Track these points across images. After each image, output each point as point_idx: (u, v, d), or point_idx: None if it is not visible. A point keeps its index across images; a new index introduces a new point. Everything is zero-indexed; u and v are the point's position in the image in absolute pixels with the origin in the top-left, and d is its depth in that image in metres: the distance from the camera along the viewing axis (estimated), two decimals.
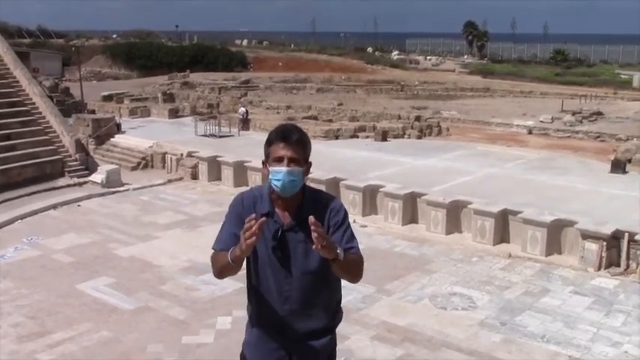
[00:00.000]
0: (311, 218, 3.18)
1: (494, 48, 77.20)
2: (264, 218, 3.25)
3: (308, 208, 3.51)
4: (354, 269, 3.51)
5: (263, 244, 3.52)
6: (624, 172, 20.43)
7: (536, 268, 14.22)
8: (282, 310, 3.61)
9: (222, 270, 3.50)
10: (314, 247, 3.21)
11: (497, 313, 11.81)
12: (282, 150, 3.41)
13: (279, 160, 3.42)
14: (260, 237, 3.24)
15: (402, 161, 22.22)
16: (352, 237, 3.62)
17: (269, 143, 3.49)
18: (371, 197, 18.26)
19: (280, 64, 63.61)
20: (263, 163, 3.57)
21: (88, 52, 63.96)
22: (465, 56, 74.84)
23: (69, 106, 31.09)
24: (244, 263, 3.64)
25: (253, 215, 3.23)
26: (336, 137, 26.96)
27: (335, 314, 3.84)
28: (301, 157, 3.46)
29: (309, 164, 3.57)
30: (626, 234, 14.07)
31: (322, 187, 18.68)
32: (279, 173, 3.41)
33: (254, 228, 3.16)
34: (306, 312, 3.62)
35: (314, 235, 3.17)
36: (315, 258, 3.51)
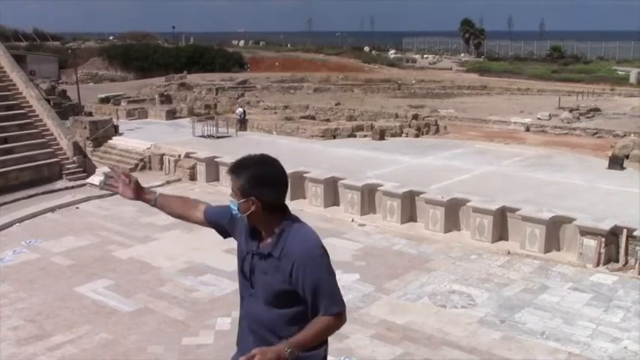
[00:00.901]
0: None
1: (491, 46, 77.33)
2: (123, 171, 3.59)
3: (277, 243, 3.38)
4: (324, 336, 3.38)
5: (238, 257, 3.61)
6: (622, 168, 20.45)
7: (534, 265, 14.23)
8: (245, 322, 3.67)
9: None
10: None
11: (497, 310, 11.82)
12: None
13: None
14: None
15: (399, 160, 22.23)
16: (332, 294, 3.35)
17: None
18: (369, 196, 18.26)
19: (277, 64, 63.63)
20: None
21: (85, 55, 63.98)
22: (462, 54, 74.95)
23: (66, 109, 31.08)
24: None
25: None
26: (334, 137, 26.97)
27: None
28: (234, 189, 3.42)
29: (252, 201, 3.35)
30: (625, 230, 14.09)
31: (321, 186, 18.77)
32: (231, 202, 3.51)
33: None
34: (266, 334, 3.49)
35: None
36: (274, 293, 3.41)
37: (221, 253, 13.31)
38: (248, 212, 3.36)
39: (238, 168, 3.40)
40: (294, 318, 3.41)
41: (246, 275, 3.54)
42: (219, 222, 3.74)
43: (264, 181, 3.34)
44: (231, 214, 3.53)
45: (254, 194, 3.33)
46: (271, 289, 3.41)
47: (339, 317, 3.37)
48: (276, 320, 3.44)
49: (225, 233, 3.78)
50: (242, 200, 3.36)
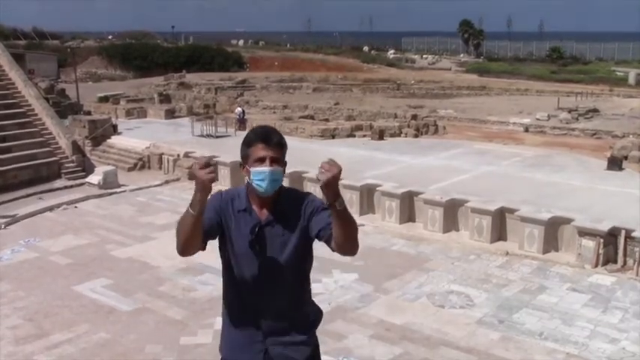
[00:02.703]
0: (323, 164, 3.18)
1: (490, 46, 77.32)
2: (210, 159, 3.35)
3: (284, 203, 3.59)
4: (353, 226, 3.41)
5: (240, 240, 3.59)
6: (620, 169, 20.47)
7: (533, 266, 14.24)
8: (259, 306, 3.64)
9: (183, 229, 3.45)
10: (319, 179, 3.17)
11: (495, 310, 11.83)
12: (262, 151, 3.46)
13: (260, 160, 3.45)
14: (212, 177, 3.28)
15: (398, 160, 22.24)
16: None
17: (248, 144, 3.53)
18: (368, 196, 18.27)
19: (276, 63, 63.63)
20: (241, 165, 3.61)
21: (84, 53, 63.90)
22: (461, 55, 74.91)
23: (65, 108, 31.05)
24: (222, 261, 3.74)
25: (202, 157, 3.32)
26: (333, 137, 26.98)
27: (313, 311, 3.87)
28: (281, 158, 3.52)
29: (285, 165, 3.62)
30: (623, 231, 14.10)
31: (319, 187, 18.74)
32: (262, 173, 3.45)
33: (211, 168, 3.26)
34: (283, 306, 3.65)
35: (324, 167, 3.14)
36: (292, 250, 3.58)
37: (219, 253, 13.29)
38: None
39: (281, 137, 3.55)
40: (308, 276, 3.73)
41: (257, 250, 3.56)
42: (212, 217, 3.63)
43: None
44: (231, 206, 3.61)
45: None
46: (289, 247, 3.55)
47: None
48: (289, 292, 3.61)
49: (212, 235, 3.67)
50: (283, 167, 3.54)
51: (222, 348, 3.85)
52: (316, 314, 3.89)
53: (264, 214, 3.58)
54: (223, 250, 3.70)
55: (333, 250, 3.47)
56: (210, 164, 3.25)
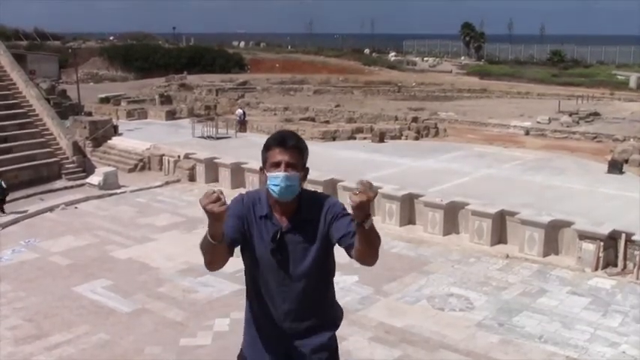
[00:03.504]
0: (360, 183, 3.12)
1: (491, 49, 77.28)
2: (221, 191, 3.20)
3: (305, 209, 3.57)
4: (377, 241, 3.39)
5: (262, 247, 3.56)
6: (621, 172, 20.46)
7: (533, 269, 14.24)
8: (281, 309, 3.64)
9: (207, 253, 3.34)
10: (351, 196, 3.11)
11: (495, 313, 11.82)
12: (279, 155, 3.43)
13: (276, 165, 3.43)
14: (225, 208, 3.13)
15: (399, 162, 22.24)
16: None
17: (266, 149, 3.50)
18: None
19: (277, 65, 63.65)
20: (260, 168, 3.59)
21: (85, 54, 63.93)
22: (462, 57, 74.93)
23: (66, 109, 31.06)
24: (244, 264, 3.67)
25: (212, 190, 3.13)
26: (334, 139, 26.98)
27: (334, 313, 3.86)
28: (298, 163, 3.47)
29: (307, 170, 3.58)
30: (623, 234, 14.09)
31: (320, 188, 18.72)
32: (277, 178, 3.42)
33: (215, 197, 3.09)
34: (305, 312, 3.66)
35: (360, 189, 3.08)
36: (314, 257, 3.56)
37: None
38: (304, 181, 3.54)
39: (298, 140, 3.51)
40: (331, 281, 3.72)
41: (278, 258, 3.53)
42: (238, 232, 3.54)
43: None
44: (250, 213, 3.54)
45: (305, 163, 3.55)
46: (311, 254, 3.54)
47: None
48: (312, 296, 3.60)
49: (238, 242, 3.58)
50: (302, 172, 3.50)
51: (245, 347, 3.87)
52: (338, 315, 3.90)
53: (285, 220, 3.56)
54: (245, 254, 3.68)
55: (351, 258, 3.47)
56: (219, 198, 3.11)
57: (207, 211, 3.09)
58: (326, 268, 3.65)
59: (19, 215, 18.66)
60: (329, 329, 3.80)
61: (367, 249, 3.35)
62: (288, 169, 3.41)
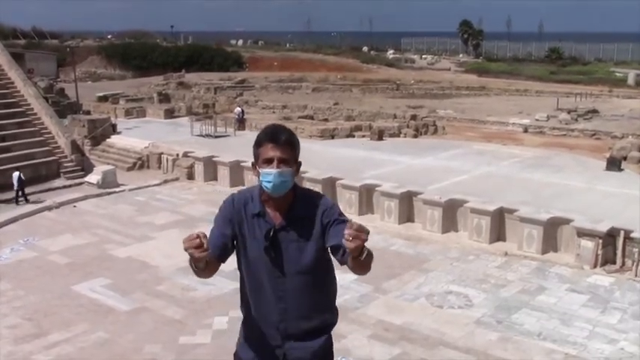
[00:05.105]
0: (349, 224, 3.13)
1: (490, 46, 77.36)
2: (203, 239, 3.17)
3: (299, 207, 3.54)
4: (371, 261, 3.41)
5: (256, 245, 3.54)
6: (620, 169, 20.48)
7: (532, 266, 14.25)
8: (276, 309, 3.61)
9: (197, 271, 3.40)
10: (345, 242, 3.12)
11: (494, 311, 11.83)
12: (271, 151, 3.41)
13: (268, 161, 3.41)
14: (205, 255, 3.16)
15: (398, 160, 22.24)
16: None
17: (258, 144, 3.47)
18: (367, 196, 18.27)
19: (276, 63, 63.61)
20: (253, 164, 3.58)
21: (83, 53, 63.91)
22: (461, 55, 74.97)
23: (64, 107, 31.06)
24: (237, 264, 3.66)
25: (195, 234, 3.15)
26: (332, 137, 26.98)
27: (330, 313, 3.84)
28: (291, 158, 3.45)
29: (299, 164, 3.56)
30: (622, 231, 14.11)
31: (319, 187, 18.75)
32: (270, 175, 3.41)
33: (197, 242, 3.12)
34: (301, 311, 3.62)
35: (351, 235, 3.10)
36: (308, 256, 3.53)
37: None
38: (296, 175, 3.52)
39: (290, 135, 3.48)
40: (327, 280, 3.67)
41: (272, 256, 3.52)
42: (227, 233, 3.57)
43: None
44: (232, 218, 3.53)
45: (297, 157, 3.53)
46: (304, 253, 3.52)
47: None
48: (307, 294, 3.57)
49: (229, 252, 3.61)
50: (295, 167, 3.49)
51: (240, 346, 3.85)
52: (333, 318, 3.85)
53: (279, 217, 3.54)
54: (238, 254, 3.67)
55: (341, 264, 3.49)
56: (201, 244, 3.11)
57: (188, 254, 3.16)
58: (321, 267, 3.62)
59: (18, 214, 18.66)
60: (325, 331, 3.78)
61: (360, 270, 3.39)
62: (281, 165, 3.39)
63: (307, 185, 19.08)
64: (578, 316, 11.63)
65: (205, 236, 3.16)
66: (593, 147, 25.14)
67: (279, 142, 3.41)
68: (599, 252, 14.02)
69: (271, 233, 3.50)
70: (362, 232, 3.11)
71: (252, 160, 3.56)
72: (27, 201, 20.47)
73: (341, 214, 3.56)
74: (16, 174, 20.68)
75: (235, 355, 3.87)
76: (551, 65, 61.63)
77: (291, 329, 3.62)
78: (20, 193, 20.60)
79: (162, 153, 24.68)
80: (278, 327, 3.63)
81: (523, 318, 11.51)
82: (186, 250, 3.13)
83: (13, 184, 20.61)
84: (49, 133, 25.29)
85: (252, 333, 3.73)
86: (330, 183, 18.91)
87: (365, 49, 75.92)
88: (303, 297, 3.59)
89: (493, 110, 34.67)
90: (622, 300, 12.38)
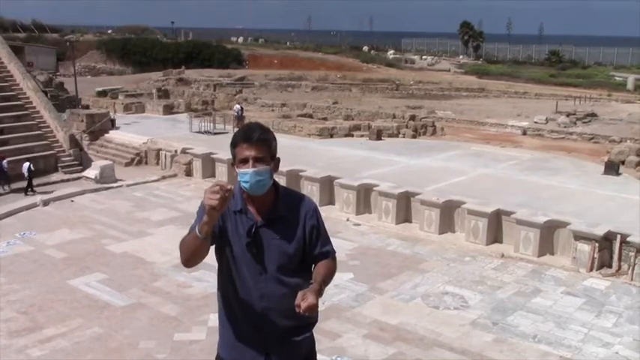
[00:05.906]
0: (302, 304, 3.29)
1: (490, 48, 77.39)
2: (230, 187, 3.23)
3: (282, 206, 3.58)
4: (330, 280, 3.67)
5: (237, 241, 3.56)
6: (617, 173, 20.51)
7: (528, 269, 14.27)
8: (258, 306, 3.61)
9: (189, 249, 3.41)
10: (298, 309, 3.29)
11: (489, 312, 11.84)
12: (246, 150, 3.41)
13: (244, 161, 3.43)
14: (225, 204, 3.22)
15: (396, 160, 22.24)
16: (327, 239, 3.75)
17: (234, 145, 3.49)
18: (365, 196, 18.27)
19: (276, 61, 63.53)
20: (232, 164, 3.59)
21: (83, 47, 63.76)
22: (461, 56, 74.97)
23: (63, 101, 30.98)
24: (218, 265, 3.68)
25: (221, 184, 3.22)
26: (331, 136, 26.97)
27: (313, 316, 3.82)
28: (266, 155, 3.45)
29: (277, 160, 3.57)
30: (619, 235, 14.13)
31: (316, 186, 18.78)
32: (246, 174, 3.43)
33: (221, 192, 3.16)
34: (283, 308, 3.61)
35: (300, 306, 3.29)
36: (289, 253, 3.58)
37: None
38: (275, 172, 3.54)
39: (263, 132, 3.47)
40: (307, 278, 3.68)
41: (254, 252, 3.54)
42: (216, 227, 3.52)
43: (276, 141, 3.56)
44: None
45: (275, 154, 3.53)
46: (285, 252, 3.56)
47: (334, 259, 3.75)
48: (288, 292, 3.57)
49: (215, 236, 3.59)
50: (272, 164, 3.49)
51: (221, 347, 3.83)
52: (315, 317, 3.81)
53: (261, 215, 3.56)
54: (220, 251, 3.66)
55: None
56: (218, 191, 3.16)
57: (207, 204, 3.16)
58: (303, 265, 3.66)
59: (15, 207, 18.63)
60: (307, 330, 3.78)
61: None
62: (257, 164, 3.40)
63: (305, 184, 19.10)
64: (574, 319, 11.65)
65: (230, 191, 3.22)
66: (591, 150, 25.17)
67: (252, 140, 3.42)
68: (596, 255, 14.05)
69: (253, 230, 3.50)
70: (306, 299, 3.31)
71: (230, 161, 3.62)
72: (34, 192, 20.69)
73: (320, 219, 3.69)
74: (26, 164, 21.04)
75: (217, 357, 3.86)
76: (550, 68, 61.68)
77: (273, 327, 3.62)
78: (27, 183, 20.94)
79: (160, 149, 24.66)
80: (260, 324, 3.62)
81: (518, 320, 11.53)
82: (209, 199, 3.16)
83: (23, 174, 20.80)
84: (48, 127, 25.26)
85: (234, 333, 3.71)
86: (328, 182, 18.91)
87: (365, 48, 75.86)
88: (286, 295, 3.57)
89: (492, 112, 34.69)
90: (617, 304, 12.41)
